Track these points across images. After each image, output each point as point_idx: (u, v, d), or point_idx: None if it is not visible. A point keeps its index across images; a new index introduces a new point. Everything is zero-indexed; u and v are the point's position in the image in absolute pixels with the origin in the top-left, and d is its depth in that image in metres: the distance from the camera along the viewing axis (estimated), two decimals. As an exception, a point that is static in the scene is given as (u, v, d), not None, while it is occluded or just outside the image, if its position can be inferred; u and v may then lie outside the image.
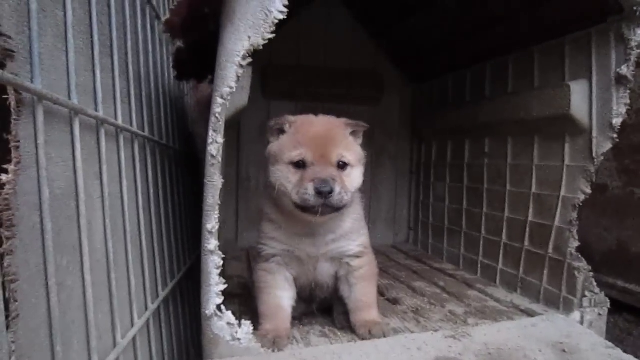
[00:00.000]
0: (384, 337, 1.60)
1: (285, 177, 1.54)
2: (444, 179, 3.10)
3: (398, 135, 3.62)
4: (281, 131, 1.64)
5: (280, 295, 1.70)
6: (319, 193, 1.43)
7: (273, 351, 1.49)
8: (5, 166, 0.79)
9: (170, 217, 2.00)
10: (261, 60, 3.09)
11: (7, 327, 0.74)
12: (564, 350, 1.39)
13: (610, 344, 1.46)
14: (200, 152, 2.89)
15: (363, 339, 1.63)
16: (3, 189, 0.76)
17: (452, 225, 2.99)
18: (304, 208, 1.49)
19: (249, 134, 3.28)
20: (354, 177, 1.62)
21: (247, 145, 3.30)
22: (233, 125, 2.69)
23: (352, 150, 1.62)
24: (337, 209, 1.50)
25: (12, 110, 0.80)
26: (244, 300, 2.04)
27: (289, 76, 3.25)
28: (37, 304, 0.84)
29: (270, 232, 1.73)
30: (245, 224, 3.29)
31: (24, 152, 0.82)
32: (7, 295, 0.75)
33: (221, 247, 1.50)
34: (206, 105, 1.60)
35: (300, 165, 1.53)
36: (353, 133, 1.71)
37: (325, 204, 1.45)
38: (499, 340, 1.46)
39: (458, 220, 2.90)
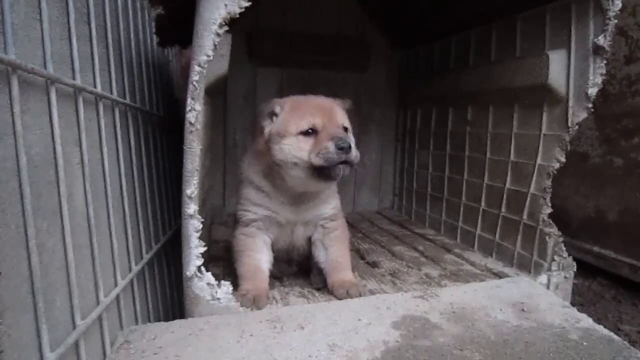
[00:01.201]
0: (359, 296, 1.68)
1: (297, 147, 1.60)
2: (428, 146, 3.14)
3: (384, 102, 3.64)
4: (273, 114, 1.71)
5: (258, 257, 1.78)
6: (340, 149, 1.51)
7: (252, 310, 1.57)
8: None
9: (154, 183, 2.05)
10: (247, 26, 3.07)
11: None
12: (523, 310, 1.48)
13: (567, 303, 1.55)
14: (184, 119, 2.91)
15: (340, 299, 1.69)
16: (-20, 156, 0.80)
17: (435, 192, 3.06)
18: (322, 171, 1.57)
19: (235, 101, 3.30)
20: (353, 139, 1.68)
21: (234, 112, 3.31)
22: (219, 93, 2.71)
23: (346, 118, 1.74)
24: (353, 165, 1.58)
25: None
26: (228, 263, 2.11)
27: (276, 41, 3.23)
28: (18, 264, 0.89)
29: (254, 199, 1.80)
30: (232, 190, 3.33)
31: (0, 120, 0.86)
32: (-12, 255, 0.80)
33: (208, 213, 1.55)
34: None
35: (309, 133, 1.60)
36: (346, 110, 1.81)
37: (346, 161, 1.54)
38: (464, 300, 1.55)
39: (440, 187, 2.97)
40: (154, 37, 2.22)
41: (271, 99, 1.78)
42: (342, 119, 1.69)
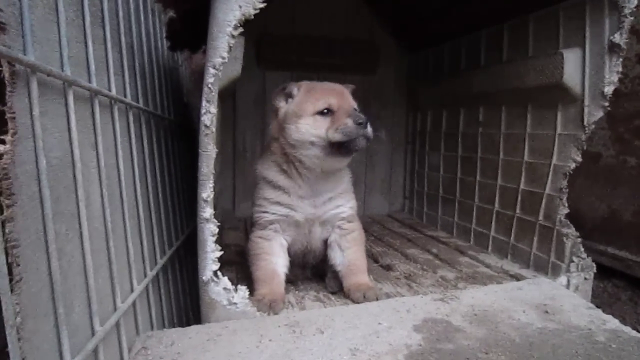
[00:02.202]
0: (377, 299, 1.66)
1: (314, 126, 1.67)
2: (439, 148, 3.12)
3: (394, 104, 3.62)
4: (289, 95, 1.80)
5: (275, 261, 1.77)
6: (358, 124, 1.61)
7: (268, 314, 1.54)
8: (2, 137, 0.81)
9: (167, 187, 2.04)
10: (256, 30, 3.07)
11: (12, 290, 0.78)
12: (547, 311, 1.45)
13: (591, 305, 1.52)
14: (196, 123, 2.90)
15: (357, 303, 1.67)
16: (1, 159, 0.79)
17: (446, 194, 3.03)
18: (340, 146, 1.64)
19: (245, 105, 3.29)
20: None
21: (244, 116, 3.30)
22: (228, 97, 2.70)
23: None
24: (369, 139, 1.66)
25: (6, 82, 0.82)
26: (241, 267, 2.09)
27: (284, 45, 3.22)
28: (38, 269, 0.88)
29: (271, 197, 1.81)
30: (242, 195, 3.32)
31: (20, 123, 0.85)
32: (9, 260, 0.79)
33: (219, 217, 1.54)
34: (200, 76, 1.62)
35: (325, 112, 1.68)
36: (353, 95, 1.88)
37: (364, 135, 1.62)
38: (485, 302, 1.52)
39: (452, 189, 2.94)
40: (165, 41, 2.21)
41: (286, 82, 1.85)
42: (352, 100, 1.79)
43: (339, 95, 1.73)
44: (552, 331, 1.33)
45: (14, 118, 0.83)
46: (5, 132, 0.82)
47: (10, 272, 0.78)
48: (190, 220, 2.45)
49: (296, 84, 1.81)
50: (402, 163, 3.72)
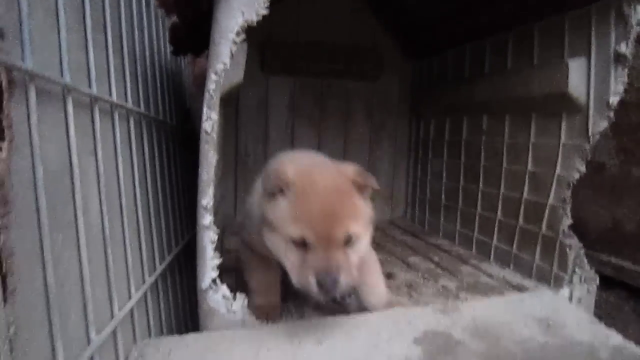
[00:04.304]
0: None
1: (285, 254, 1.32)
2: (442, 156, 3.11)
3: (397, 112, 3.61)
4: (280, 191, 1.35)
5: (271, 273, 1.69)
6: (321, 286, 1.22)
7: (267, 323, 1.53)
8: (-3, 146, 0.80)
9: (167, 193, 2.03)
10: (260, 36, 3.07)
11: (5, 301, 0.76)
12: (549, 325, 1.43)
13: (595, 319, 1.50)
14: (198, 128, 2.90)
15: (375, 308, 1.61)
16: (-3, 167, 0.78)
17: (449, 202, 3.01)
18: None
19: (247, 110, 3.28)
20: (361, 247, 1.37)
21: (246, 122, 3.30)
22: (231, 102, 2.70)
23: (359, 218, 1.35)
24: (342, 300, 1.45)
25: (3, 90, 0.81)
26: (241, 273, 2.07)
27: (288, 52, 3.22)
28: (33, 278, 0.87)
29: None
30: (243, 200, 3.31)
31: (17, 131, 0.84)
32: (3, 269, 0.78)
33: (220, 223, 1.52)
34: (203, 79, 1.60)
35: (301, 244, 1.28)
36: (361, 189, 1.43)
37: (327, 298, 1.26)
38: (486, 315, 1.50)
39: (454, 197, 2.92)
40: (168, 46, 2.21)
41: (284, 168, 1.37)
42: (346, 226, 1.28)
43: (323, 223, 1.25)
44: (554, 347, 1.31)
45: (11, 126, 0.82)
46: (2, 140, 0.81)
47: (3, 282, 0.77)
48: (190, 227, 2.44)
49: (290, 177, 1.33)
50: (405, 170, 3.70)
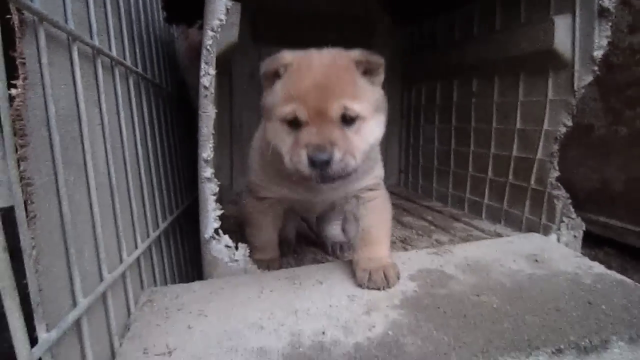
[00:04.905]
0: (389, 286, 1.37)
1: (280, 137, 1.26)
2: (433, 121, 3.16)
3: (389, 80, 3.60)
4: (276, 75, 1.32)
5: (271, 230, 1.73)
6: (312, 163, 1.15)
7: (268, 271, 1.60)
8: (13, 82, 0.85)
9: (167, 156, 2.07)
10: (252, 6, 3.08)
11: (28, 225, 0.82)
12: (536, 260, 1.51)
13: (579, 254, 1.58)
14: (193, 101, 2.93)
15: (359, 286, 1.39)
16: (14, 101, 0.83)
17: (441, 166, 3.08)
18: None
19: (240, 81, 3.31)
20: (367, 131, 1.27)
21: (240, 92, 3.33)
22: (224, 71, 2.72)
23: (362, 98, 1.25)
24: (342, 177, 1.21)
25: (16, 29, 0.86)
26: (241, 236, 2.13)
27: (279, 21, 3.24)
28: (50, 209, 0.92)
29: (270, 177, 1.54)
30: (239, 170, 3.36)
31: (30, 70, 0.89)
32: (24, 197, 0.83)
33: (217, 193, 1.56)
34: (196, 52, 1.63)
35: (294, 123, 1.23)
36: (367, 72, 1.35)
37: (323, 175, 1.17)
38: (477, 255, 1.58)
39: (447, 160, 2.99)
40: (161, 12, 2.23)
41: (279, 52, 1.37)
42: (343, 103, 1.20)
43: (316, 99, 1.19)
44: (540, 276, 1.39)
45: (24, 64, 0.87)
46: (17, 78, 0.86)
47: (25, 209, 0.82)
48: (188, 194, 2.49)
49: (286, 58, 1.32)
50: (398, 137, 3.76)
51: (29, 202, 0.84)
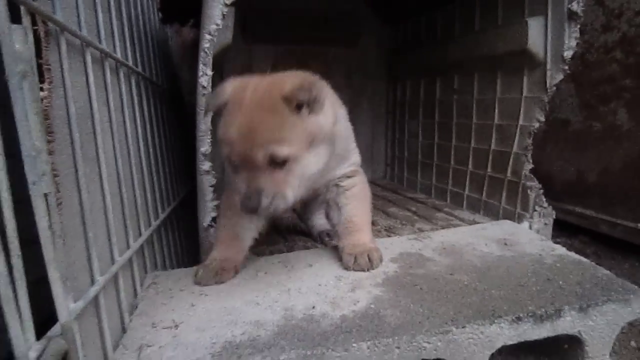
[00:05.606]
0: (372, 268, 1.50)
1: (227, 171, 1.34)
2: (417, 116, 3.31)
3: (375, 76, 3.78)
4: (222, 109, 1.34)
5: (242, 224, 1.56)
6: (245, 206, 1.22)
7: (216, 283, 1.48)
8: (41, 85, 0.97)
9: (164, 150, 2.19)
10: (241, 5, 3.18)
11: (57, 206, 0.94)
12: (506, 244, 1.67)
13: (544, 238, 1.74)
14: (185, 95, 3.05)
15: (346, 269, 1.52)
16: (42, 102, 0.95)
17: (425, 159, 3.23)
18: None
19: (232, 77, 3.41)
20: (299, 169, 1.27)
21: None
22: (217, 69, 2.83)
23: (291, 138, 1.23)
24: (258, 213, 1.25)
25: (42, 39, 0.98)
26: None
27: (269, 21, 3.35)
28: (71, 197, 1.05)
29: None
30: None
31: (53, 74, 1.01)
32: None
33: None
34: (188, 50, 1.74)
35: (233, 164, 1.27)
36: (300, 106, 1.27)
37: (258, 214, 1.26)
38: (453, 239, 1.73)
39: (430, 154, 3.14)
40: (157, 13, 2.34)
41: (226, 82, 1.43)
42: (269, 147, 1.20)
43: (243, 143, 1.21)
44: (508, 258, 1.55)
45: (49, 69, 0.99)
46: (44, 82, 0.98)
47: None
48: (182, 186, 2.61)
49: (226, 90, 1.36)
50: (384, 132, 3.90)
51: (56, 190, 0.97)
